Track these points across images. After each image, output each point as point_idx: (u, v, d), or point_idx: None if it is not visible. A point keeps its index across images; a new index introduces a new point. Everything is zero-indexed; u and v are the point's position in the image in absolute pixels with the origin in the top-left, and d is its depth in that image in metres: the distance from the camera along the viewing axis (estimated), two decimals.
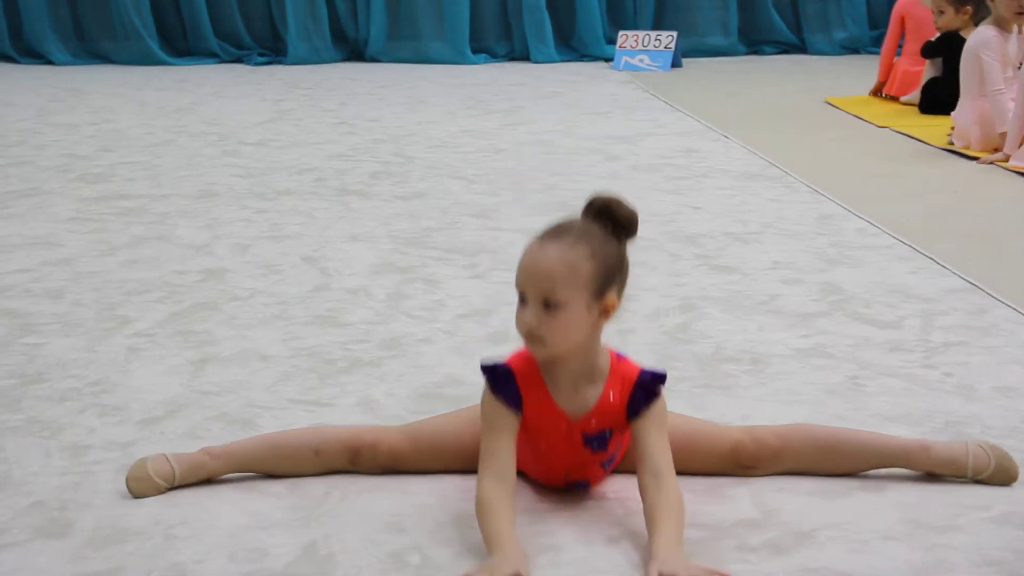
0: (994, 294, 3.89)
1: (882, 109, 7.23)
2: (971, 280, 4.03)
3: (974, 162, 5.86)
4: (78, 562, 2.33)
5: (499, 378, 2.49)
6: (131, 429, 2.93)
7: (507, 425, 2.47)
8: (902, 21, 7.79)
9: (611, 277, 2.46)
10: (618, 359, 2.56)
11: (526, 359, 2.51)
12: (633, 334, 3.57)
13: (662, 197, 5.19)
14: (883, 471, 2.68)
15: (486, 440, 2.47)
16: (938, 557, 2.34)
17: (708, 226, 4.72)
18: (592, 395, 2.51)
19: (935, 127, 6.57)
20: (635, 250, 4.35)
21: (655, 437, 2.46)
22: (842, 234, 4.60)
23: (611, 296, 2.46)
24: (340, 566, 2.31)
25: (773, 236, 4.58)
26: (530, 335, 2.42)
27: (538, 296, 2.40)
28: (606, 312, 2.46)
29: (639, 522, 2.40)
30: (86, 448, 2.82)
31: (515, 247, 4.20)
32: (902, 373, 3.27)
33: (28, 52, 9.40)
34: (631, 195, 5.15)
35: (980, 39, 6.16)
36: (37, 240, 4.54)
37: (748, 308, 3.79)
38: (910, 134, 6.53)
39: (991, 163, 5.81)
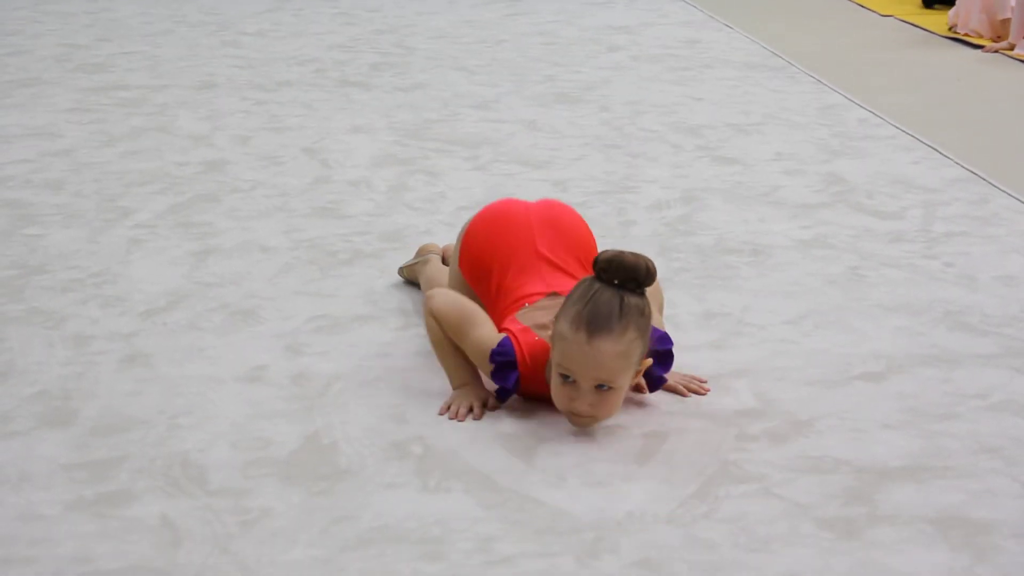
0: (996, 183, 3.88)
1: None
2: (973, 170, 4.02)
3: (978, 51, 5.82)
4: (82, 450, 2.34)
5: (508, 387, 2.50)
6: (133, 320, 2.93)
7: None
8: None
9: (648, 340, 2.43)
10: None
11: (534, 353, 2.48)
12: (635, 225, 3.57)
13: (664, 88, 5.16)
14: (882, 362, 2.69)
15: (474, 337, 2.51)
16: (936, 444, 2.36)
17: (710, 117, 4.70)
18: None
19: (940, 15, 6.52)
20: (637, 141, 4.37)
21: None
22: (844, 124, 4.59)
23: (646, 359, 2.45)
24: (343, 455, 2.32)
25: (775, 127, 4.56)
26: (576, 419, 2.42)
27: (591, 383, 2.37)
28: (638, 375, 2.46)
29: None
30: (89, 339, 2.83)
31: (516, 138, 4.19)
32: (903, 263, 3.27)
33: None
34: (633, 86, 5.16)
35: None
36: (37, 130, 4.53)
37: (749, 199, 3.79)
38: (914, 23, 6.48)
39: (996, 51, 5.77)
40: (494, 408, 2.50)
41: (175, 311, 2.99)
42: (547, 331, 2.45)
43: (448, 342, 2.55)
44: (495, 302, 2.66)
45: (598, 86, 5.19)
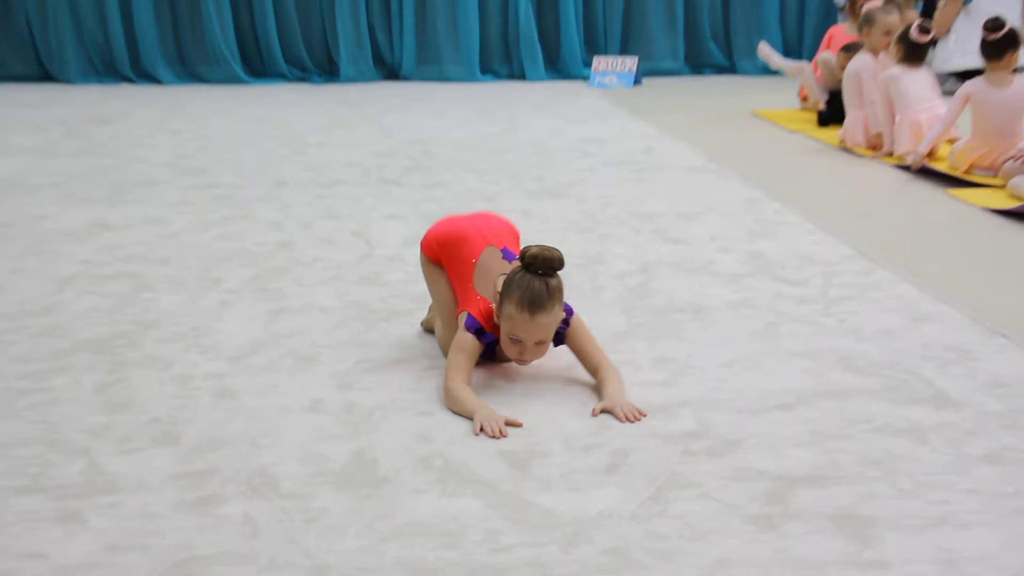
0: (876, 259, 3.90)
1: (795, 118, 7.20)
2: (860, 249, 4.03)
3: (862, 158, 5.86)
4: (185, 464, 2.35)
5: (483, 340, 2.75)
6: (223, 363, 2.94)
7: (474, 354, 2.75)
8: (830, 41, 7.69)
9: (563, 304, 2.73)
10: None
11: (489, 318, 2.77)
12: (604, 290, 3.58)
13: (627, 185, 5.19)
14: (792, 395, 2.70)
15: (457, 358, 2.72)
16: (833, 458, 2.36)
17: (662, 207, 4.72)
18: None
19: (833, 132, 6.57)
20: (606, 226, 4.38)
21: (584, 342, 2.80)
22: (763, 213, 4.61)
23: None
24: (382, 467, 2.33)
25: (711, 215, 4.58)
26: (521, 362, 2.74)
27: (533, 341, 2.67)
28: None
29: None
30: (190, 378, 2.84)
31: (518, 223, 4.21)
32: (808, 320, 3.28)
33: (143, 75, 9.35)
34: (602, 184, 5.19)
35: (859, 64, 6.19)
36: (152, 219, 4.54)
37: (692, 270, 3.80)
38: (814, 137, 6.53)
39: (874, 158, 5.82)
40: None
41: (255, 356, 3.00)
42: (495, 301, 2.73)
43: (464, 391, 2.65)
44: (456, 266, 2.91)
45: (576, 184, 5.21)
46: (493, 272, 2.84)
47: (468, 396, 2.63)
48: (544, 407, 2.65)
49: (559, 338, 2.79)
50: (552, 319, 2.66)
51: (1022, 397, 2.70)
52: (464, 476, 2.29)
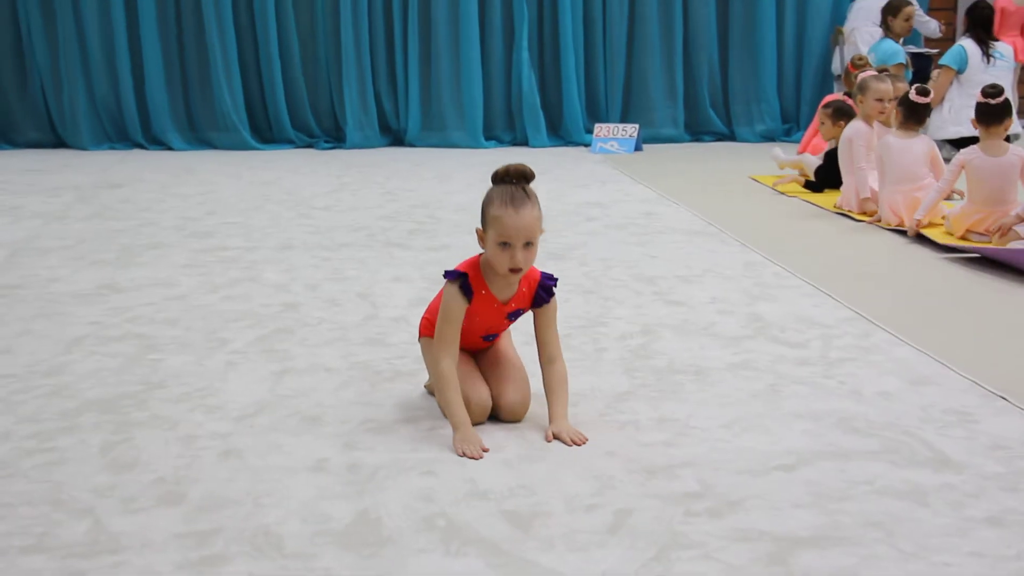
0: (875, 322, 3.89)
1: (792, 184, 7.23)
2: (858, 311, 4.03)
3: (859, 223, 5.88)
4: (189, 523, 2.32)
5: (462, 282, 2.84)
6: (229, 423, 2.93)
7: (459, 317, 2.84)
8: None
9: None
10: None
11: (472, 266, 2.87)
12: (606, 352, 3.57)
13: (628, 248, 5.19)
14: (793, 456, 2.68)
15: (444, 329, 2.85)
16: (834, 520, 2.34)
17: (662, 270, 4.72)
18: (513, 288, 2.90)
19: (829, 197, 6.60)
20: (608, 288, 4.38)
21: (550, 331, 2.93)
22: (762, 277, 4.61)
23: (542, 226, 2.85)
24: (386, 527, 2.31)
25: (711, 278, 4.58)
26: (515, 267, 2.78)
27: (521, 242, 2.76)
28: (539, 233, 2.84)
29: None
30: (195, 437, 2.82)
31: None
32: (808, 381, 3.27)
33: (154, 140, 9.41)
34: (605, 247, 5.18)
35: (853, 131, 6.24)
36: (160, 281, 4.55)
37: (693, 332, 3.79)
38: (811, 201, 6.55)
39: (870, 223, 5.84)
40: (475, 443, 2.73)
41: (260, 416, 2.98)
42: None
43: (453, 387, 2.81)
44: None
45: (579, 247, 5.22)
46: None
47: (455, 404, 2.79)
48: (546, 468, 2.63)
49: (539, 301, 2.92)
50: (535, 216, 2.77)
51: (1023, 459, 2.68)
52: (467, 536, 2.26)
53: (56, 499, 2.45)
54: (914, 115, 5.81)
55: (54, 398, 3.12)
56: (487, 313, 2.92)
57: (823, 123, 7.02)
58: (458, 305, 2.84)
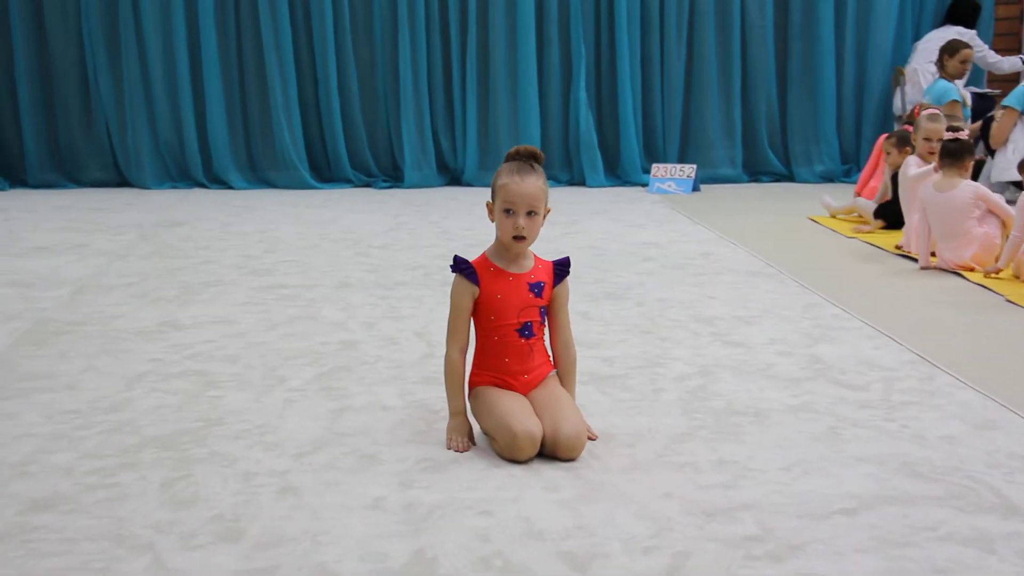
0: (938, 365, 3.84)
1: (851, 224, 7.17)
2: (921, 354, 3.98)
3: (917, 263, 5.81)
4: (247, 561, 2.34)
5: (465, 268, 3.02)
6: (287, 461, 2.94)
7: (465, 306, 3.03)
8: (881, 150, 7.68)
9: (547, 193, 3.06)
10: (536, 256, 3.12)
11: (480, 259, 3.06)
12: (663, 392, 3.55)
13: (686, 288, 5.17)
14: (855, 500, 2.64)
15: (452, 320, 3.06)
16: (898, 566, 2.30)
17: (720, 311, 4.70)
18: (529, 263, 3.08)
19: (889, 237, 6.54)
20: (666, 329, 4.36)
21: (565, 312, 3.15)
22: (822, 318, 4.57)
23: (548, 205, 3.06)
24: (442, 566, 2.30)
25: (770, 319, 4.55)
26: (518, 234, 2.97)
27: (524, 209, 2.96)
28: (545, 215, 3.04)
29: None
30: (254, 475, 2.84)
31: (574, 326, 4.20)
32: (870, 425, 3.23)
33: (215, 179, 9.55)
34: (662, 287, 5.16)
35: (911, 167, 6.21)
36: (219, 319, 4.60)
37: (751, 374, 3.77)
38: (871, 242, 6.49)
39: (932, 266, 5.76)
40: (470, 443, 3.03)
41: (318, 454, 3.00)
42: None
43: (457, 376, 3.05)
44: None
45: (635, 287, 5.21)
46: None
47: (455, 391, 3.06)
48: (604, 508, 2.61)
49: (560, 276, 3.10)
50: (540, 187, 2.98)
51: None
52: None
53: (117, 535, 2.47)
54: (951, 158, 5.65)
55: (116, 434, 3.16)
56: (507, 289, 3.03)
57: (888, 152, 6.97)
58: (462, 290, 3.03)
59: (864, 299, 4.92)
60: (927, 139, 6.18)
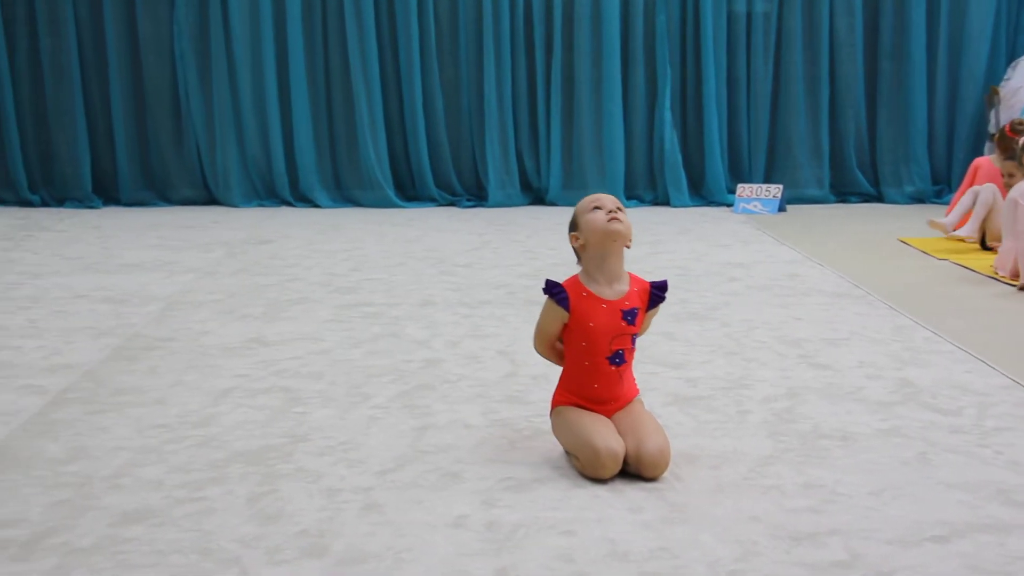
0: None
1: (943, 246, 7.05)
2: (1015, 379, 3.89)
3: (1013, 286, 5.68)
4: None
5: (556, 292, 3.01)
6: (370, 478, 2.97)
7: (556, 332, 3.09)
8: (975, 173, 7.54)
9: None
10: (632, 275, 3.09)
11: (573, 282, 3.04)
12: (749, 414, 3.52)
13: (772, 310, 5.12)
14: (947, 527, 2.59)
15: (542, 325, 3.10)
16: None
17: (807, 332, 4.64)
18: (623, 288, 3.05)
19: (983, 259, 6.40)
20: (751, 350, 4.32)
21: (647, 324, 3.16)
22: (912, 341, 4.49)
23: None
24: None
25: (858, 342, 4.49)
26: (613, 217, 2.99)
27: (612, 205, 3.02)
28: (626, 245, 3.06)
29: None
30: (338, 491, 2.87)
31: (657, 346, 4.18)
32: (962, 450, 3.16)
33: (302, 198, 9.68)
34: (747, 308, 5.12)
35: (1018, 192, 6.02)
36: (305, 336, 4.65)
37: (839, 397, 3.71)
38: (964, 264, 6.36)
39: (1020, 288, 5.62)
40: None
41: (401, 472, 3.01)
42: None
43: (547, 342, 3.15)
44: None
45: (720, 307, 5.17)
46: None
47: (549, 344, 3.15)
48: (689, 530, 2.59)
49: (655, 301, 3.08)
50: (615, 199, 3.06)
51: None
52: None
53: (205, 548, 2.51)
54: None
55: (203, 448, 3.21)
56: (599, 315, 3.01)
57: (1011, 175, 6.72)
58: (552, 316, 3.06)
59: (956, 322, 4.83)
60: None
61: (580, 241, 3.06)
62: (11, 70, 9.35)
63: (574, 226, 3.09)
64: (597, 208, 3.03)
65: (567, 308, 3.02)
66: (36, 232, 7.85)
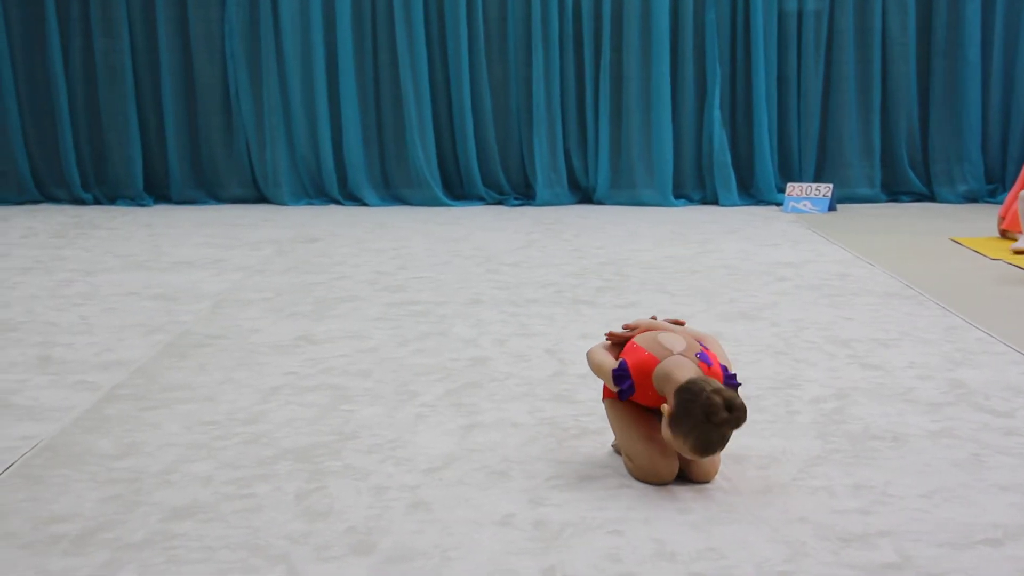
0: None
1: (996, 246, 6.95)
2: None
3: None
4: (379, 573, 2.37)
5: (623, 387, 2.94)
6: (418, 476, 2.98)
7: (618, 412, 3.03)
8: None
9: None
10: (706, 366, 2.92)
11: (641, 365, 2.92)
12: (798, 415, 3.49)
13: (821, 309, 5.08)
14: (1000, 530, 2.56)
15: (598, 358, 3.05)
16: None
17: (858, 332, 4.60)
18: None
19: None
20: (800, 350, 4.29)
21: None
22: (964, 341, 4.44)
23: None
24: None
25: (909, 342, 4.44)
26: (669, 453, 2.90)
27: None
28: None
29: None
30: (386, 488, 2.88)
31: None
32: (1015, 452, 3.12)
33: (350, 196, 9.73)
34: (797, 308, 5.07)
35: None
36: (353, 334, 4.68)
37: (889, 397, 3.68)
38: (1017, 264, 6.28)
39: None
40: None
41: (448, 470, 3.02)
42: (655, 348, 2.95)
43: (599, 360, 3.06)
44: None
45: (769, 307, 5.14)
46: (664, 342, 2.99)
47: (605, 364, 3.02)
48: (737, 530, 2.58)
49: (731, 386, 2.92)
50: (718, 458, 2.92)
51: None
52: None
53: (253, 544, 2.53)
54: None
55: (252, 445, 3.24)
56: (662, 402, 2.90)
57: None
58: (614, 403, 3.06)
59: (1010, 323, 4.76)
60: None
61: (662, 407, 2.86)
62: (65, 70, 9.48)
63: (676, 417, 2.78)
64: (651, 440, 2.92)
65: (627, 399, 3.00)
66: (88, 230, 7.95)
